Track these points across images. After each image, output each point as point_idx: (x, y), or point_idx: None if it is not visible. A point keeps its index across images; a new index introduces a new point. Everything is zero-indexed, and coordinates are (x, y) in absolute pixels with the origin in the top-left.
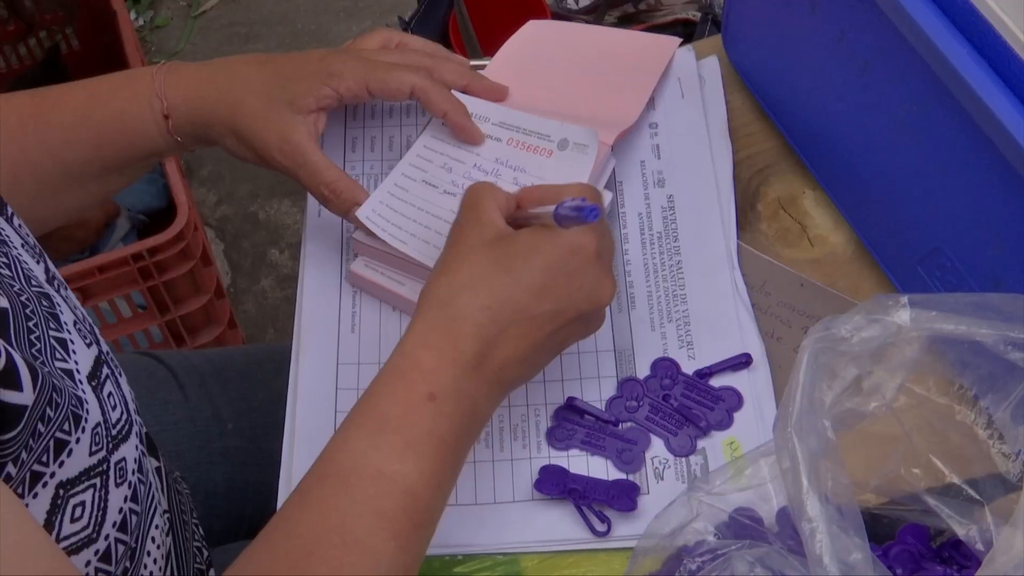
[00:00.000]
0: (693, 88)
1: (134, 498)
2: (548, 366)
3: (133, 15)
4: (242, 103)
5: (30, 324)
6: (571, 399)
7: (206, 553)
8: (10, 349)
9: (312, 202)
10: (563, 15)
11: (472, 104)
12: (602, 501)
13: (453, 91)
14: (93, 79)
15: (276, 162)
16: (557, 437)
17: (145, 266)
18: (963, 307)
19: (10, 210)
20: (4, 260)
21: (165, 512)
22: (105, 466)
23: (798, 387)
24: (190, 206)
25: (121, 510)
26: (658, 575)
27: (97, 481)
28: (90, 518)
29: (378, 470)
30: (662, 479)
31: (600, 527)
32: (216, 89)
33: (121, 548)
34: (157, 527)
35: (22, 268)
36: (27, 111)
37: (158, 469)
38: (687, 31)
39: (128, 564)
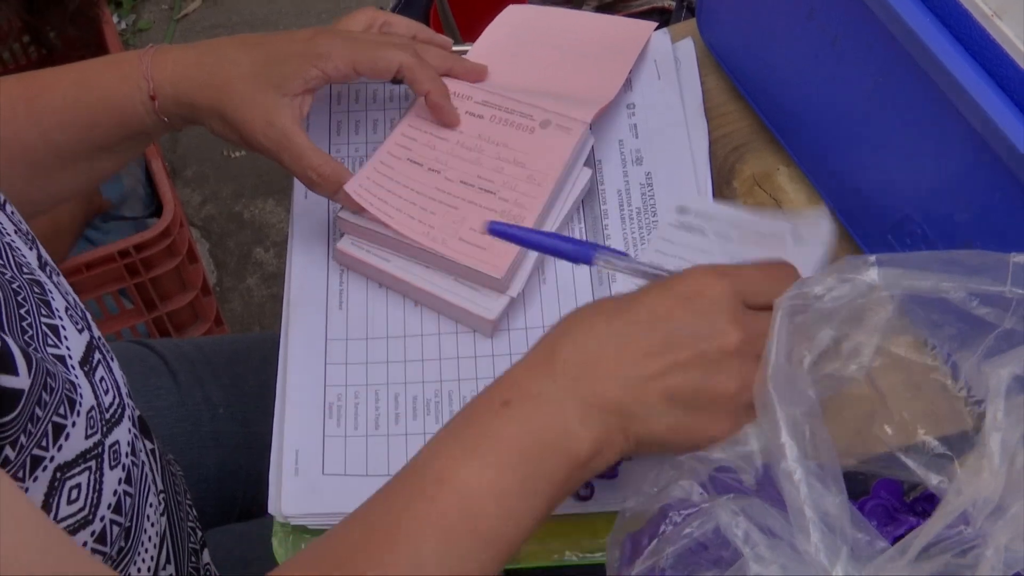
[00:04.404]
0: (669, 70)
1: (128, 480)
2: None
3: (116, 18)
4: (229, 86)
5: (21, 311)
6: None
7: (200, 534)
8: (3, 334)
9: (299, 182)
10: (542, 2)
11: (457, 84)
12: None
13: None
14: (81, 63)
15: (260, 145)
16: None
17: (132, 262)
18: (929, 264)
19: (2, 197)
20: None
21: (160, 492)
22: (100, 449)
23: (773, 342)
24: (175, 203)
25: (116, 492)
26: (644, 532)
27: (92, 464)
28: (86, 500)
29: (441, 472)
30: None
31: (583, 492)
32: (203, 71)
33: (116, 529)
34: (152, 506)
35: (14, 255)
36: (17, 94)
37: (152, 451)
38: (663, 19)
39: (123, 544)
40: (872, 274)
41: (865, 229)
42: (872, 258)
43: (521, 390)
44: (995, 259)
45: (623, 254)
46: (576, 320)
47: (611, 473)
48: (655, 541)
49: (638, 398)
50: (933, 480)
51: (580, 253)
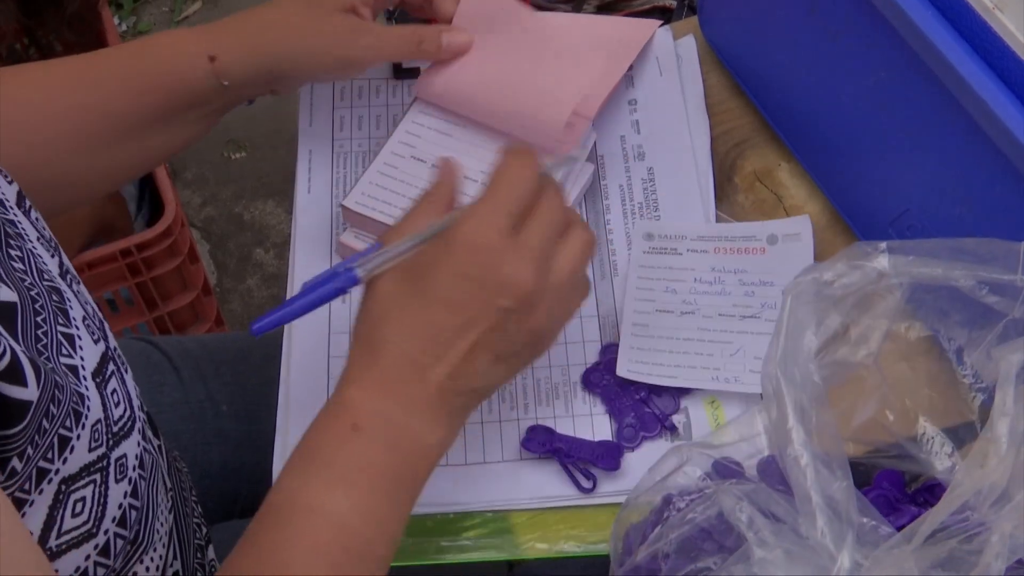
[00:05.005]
0: (671, 66)
1: (134, 494)
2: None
3: (116, 20)
4: (299, 28)
5: (38, 319)
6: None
7: (205, 530)
8: (14, 345)
9: (302, 176)
10: (544, 6)
11: (460, 95)
12: (587, 460)
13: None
14: (134, 40)
15: (355, 61)
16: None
17: (133, 262)
18: (939, 251)
19: (28, 203)
20: (18, 254)
21: (169, 490)
22: (105, 463)
23: (783, 327)
24: (176, 203)
25: (121, 506)
26: (648, 521)
27: (97, 477)
28: (90, 513)
29: (308, 504)
30: None
31: (586, 484)
32: (263, 24)
33: (120, 543)
34: (161, 503)
35: (35, 262)
36: (77, 67)
37: (159, 447)
38: (664, 18)
39: (130, 548)
40: (882, 261)
41: (866, 223)
42: (883, 245)
43: (364, 412)
44: (1005, 247)
45: (376, 246)
46: (382, 314)
47: (613, 465)
48: (658, 528)
49: (472, 371)
50: (938, 467)
51: (343, 281)
